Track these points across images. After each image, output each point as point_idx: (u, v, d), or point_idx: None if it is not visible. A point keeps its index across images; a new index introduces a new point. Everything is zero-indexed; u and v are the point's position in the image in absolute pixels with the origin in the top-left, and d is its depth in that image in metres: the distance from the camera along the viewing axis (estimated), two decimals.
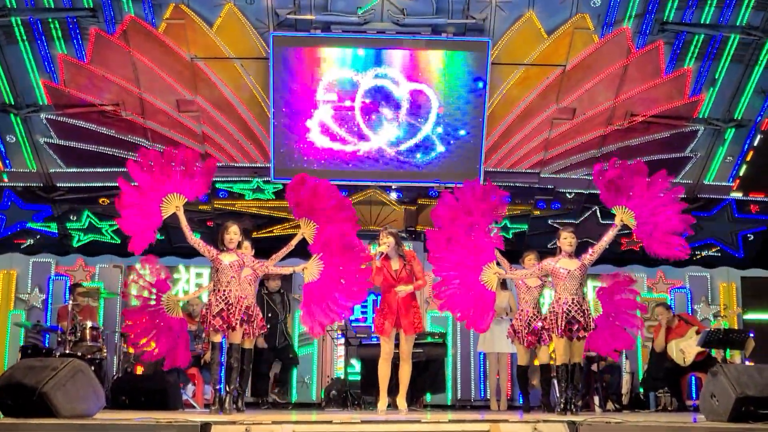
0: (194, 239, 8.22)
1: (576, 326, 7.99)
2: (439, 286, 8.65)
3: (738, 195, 13.93)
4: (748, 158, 13.57)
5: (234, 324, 8.02)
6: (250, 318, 8.28)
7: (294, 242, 8.62)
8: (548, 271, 8.30)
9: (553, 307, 8.12)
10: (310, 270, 8.41)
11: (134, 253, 8.37)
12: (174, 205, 8.22)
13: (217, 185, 13.56)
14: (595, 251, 8.20)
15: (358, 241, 8.56)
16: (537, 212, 13.97)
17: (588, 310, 8.10)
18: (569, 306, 8.00)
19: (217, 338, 8.18)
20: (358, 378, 11.15)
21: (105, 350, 10.99)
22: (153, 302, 8.52)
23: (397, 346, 8.63)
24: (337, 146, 13.17)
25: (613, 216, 8.36)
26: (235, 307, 8.03)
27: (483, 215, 8.57)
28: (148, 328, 8.55)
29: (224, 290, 8.07)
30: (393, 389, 8.84)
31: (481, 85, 12.85)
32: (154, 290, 8.55)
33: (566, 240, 8.25)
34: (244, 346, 8.69)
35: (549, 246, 13.94)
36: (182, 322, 8.64)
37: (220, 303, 8.02)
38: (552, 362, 9.19)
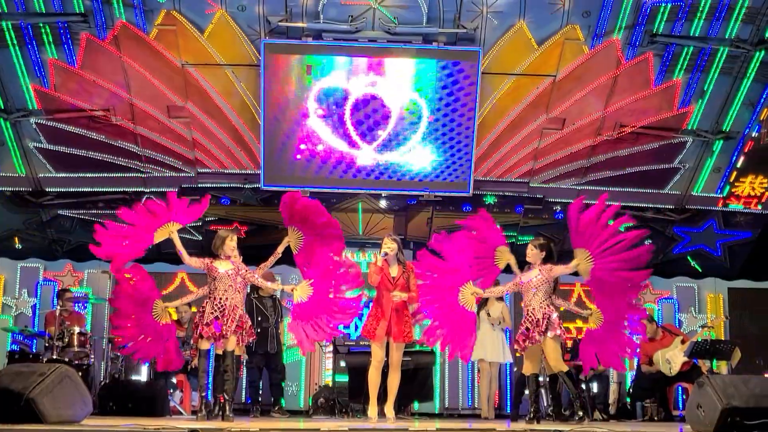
0: (190, 259, 8.33)
1: (528, 336, 8.08)
2: (418, 312, 8.61)
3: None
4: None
5: (227, 332, 8.04)
6: (242, 326, 8.35)
7: (280, 250, 8.73)
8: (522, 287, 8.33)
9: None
10: (299, 292, 8.44)
11: (112, 271, 8.59)
12: (168, 231, 8.38)
13: (207, 191, 13.56)
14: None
15: (347, 261, 8.68)
16: (526, 221, 14.01)
17: (543, 319, 8.04)
18: (524, 318, 8.16)
19: (206, 345, 8.19)
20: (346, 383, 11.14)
21: (92, 356, 10.97)
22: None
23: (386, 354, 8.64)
24: (326, 154, 13.17)
25: None
26: (229, 316, 8.07)
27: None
28: (136, 333, 8.56)
29: (221, 298, 8.10)
30: (380, 397, 8.85)
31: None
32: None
33: (531, 251, 8.35)
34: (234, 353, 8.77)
35: None
36: (170, 328, 8.65)
37: (215, 311, 8.06)
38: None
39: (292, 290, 8.57)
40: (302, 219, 8.72)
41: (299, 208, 8.74)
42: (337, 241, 8.73)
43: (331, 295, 8.48)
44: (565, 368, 8.20)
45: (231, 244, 8.33)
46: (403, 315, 8.48)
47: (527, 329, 8.09)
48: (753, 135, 13.36)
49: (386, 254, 8.50)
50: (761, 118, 13.19)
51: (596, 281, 8.12)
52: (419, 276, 8.52)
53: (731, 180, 13.75)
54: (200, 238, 13.86)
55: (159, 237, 8.37)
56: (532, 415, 8.27)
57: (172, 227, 8.37)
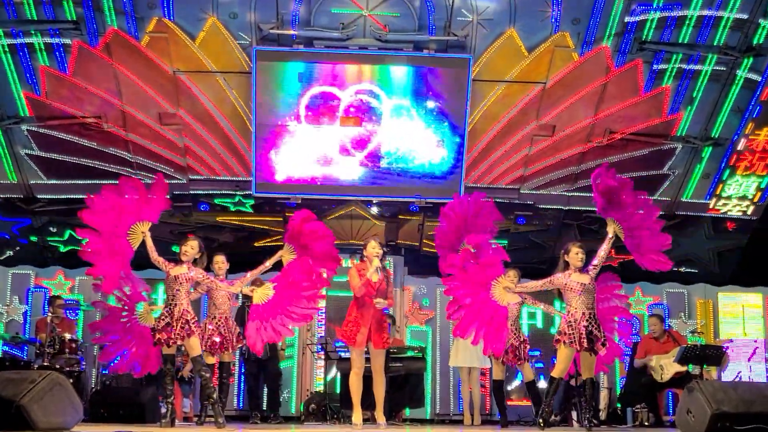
0: (157, 259, 8.25)
1: (596, 341, 8.06)
2: (451, 306, 8.68)
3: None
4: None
5: (173, 340, 7.97)
6: (230, 332, 8.38)
7: (269, 263, 8.67)
8: (560, 286, 8.31)
9: (570, 321, 8.11)
10: (259, 294, 8.39)
11: (105, 292, 8.67)
12: (140, 232, 8.30)
13: (199, 198, 13.58)
14: (596, 265, 8.24)
15: (314, 270, 8.60)
16: (517, 228, 14.05)
17: (601, 326, 8.17)
18: (588, 321, 8.06)
19: (170, 350, 8.12)
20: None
21: (84, 363, 10.96)
22: (125, 313, 8.51)
23: (366, 360, 8.65)
24: (318, 161, 13.20)
25: (594, 231, 8.47)
26: (178, 322, 7.96)
27: (479, 228, 8.73)
28: (121, 339, 8.53)
29: (170, 303, 8.05)
30: (372, 404, 8.85)
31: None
32: (127, 301, 8.58)
33: (577, 255, 8.26)
34: (222, 359, 8.79)
35: (531, 261, 14.09)
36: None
37: (167, 316, 8.01)
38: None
39: (252, 291, 8.48)
40: (304, 243, 8.63)
41: (306, 230, 8.63)
42: (331, 262, 8.70)
43: (289, 308, 8.41)
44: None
45: (183, 248, 8.25)
46: (383, 322, 8.52)
47: (591, 333, 8.04)
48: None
49: (380, 268, 8.49)
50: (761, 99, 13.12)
51: None
52: (451, 270, 8.58)
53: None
54: None
55: (135, 242, 8.30)
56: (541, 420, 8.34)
57: (144, 227, 8.30)
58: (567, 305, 8.26)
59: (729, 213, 14.07)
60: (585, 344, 8.01)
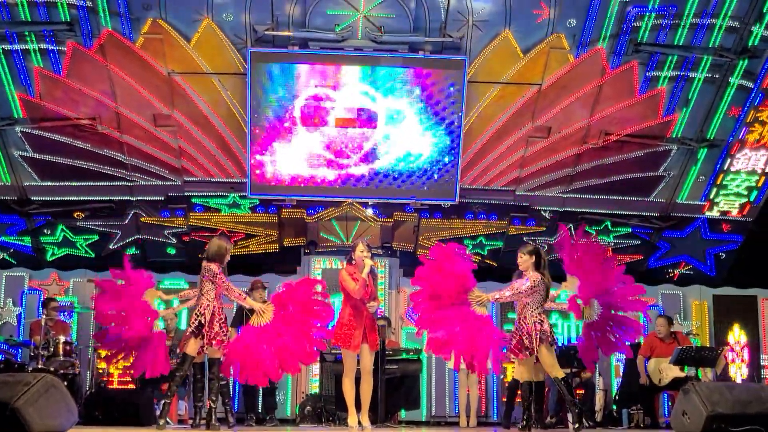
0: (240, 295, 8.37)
1: (524, 346, 8.07)
2: (421, 323, 8.48)
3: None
4: None
5: (216, 342, 8.08)
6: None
7: (247, 304, 8.60)
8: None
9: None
10: (257, 317, 8.28)
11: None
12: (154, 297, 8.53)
13: (193, 200, 13.55)
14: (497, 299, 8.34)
15: (325, 305, 8.44)
16: (512, 229, 14.04)
17: (535, 329, 8.02)
18: (516, 327, 8.17)
19: (192, 351, 8.14)
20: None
21: (78, 365, 10.92)
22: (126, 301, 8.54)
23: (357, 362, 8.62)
24: (313, 162, 13.17)
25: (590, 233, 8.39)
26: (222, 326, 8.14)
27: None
28: (127, 347, 8.51)
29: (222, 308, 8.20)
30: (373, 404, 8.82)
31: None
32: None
33: (518, 259, 8.34)
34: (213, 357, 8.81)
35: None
36: (161, 336, 8.61)
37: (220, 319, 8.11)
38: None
39: (261, 311, 8.30)
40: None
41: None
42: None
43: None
44: (561, 374, 8.17)
45: (229, 256, 8.36)
46: (374, 323, 8.51)
47: (522, 339, 8.06)
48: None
49: (360, 261, 8.46)
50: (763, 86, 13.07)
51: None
52: (418, 282, 8.40)
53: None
54: (184, 246, 13.84)
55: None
56: (525, 422, 8.27)
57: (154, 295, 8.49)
58: None
59: (726, 207, 14.04)
60: (512, 349, 8.15)
